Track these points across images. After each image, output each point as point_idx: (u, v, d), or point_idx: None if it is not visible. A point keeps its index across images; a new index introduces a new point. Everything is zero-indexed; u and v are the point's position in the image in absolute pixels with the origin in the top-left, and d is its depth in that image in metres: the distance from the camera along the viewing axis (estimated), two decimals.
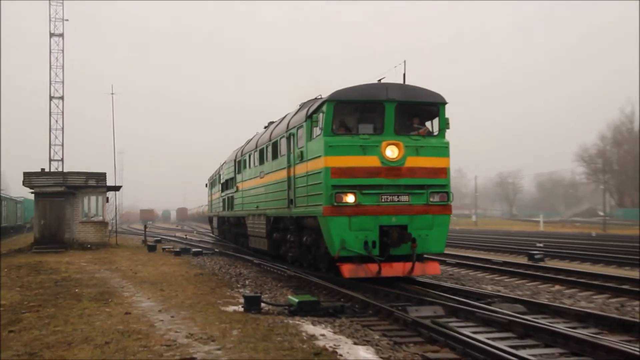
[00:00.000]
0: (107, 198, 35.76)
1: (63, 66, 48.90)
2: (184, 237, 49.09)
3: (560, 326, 10.03)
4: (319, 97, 16.83)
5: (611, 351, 8.19)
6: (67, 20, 49.36)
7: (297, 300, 12.24)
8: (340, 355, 8.56)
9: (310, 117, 15.56)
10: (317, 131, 15.22)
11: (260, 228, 22.28)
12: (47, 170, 40.14)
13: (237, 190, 27.39)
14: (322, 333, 10.12)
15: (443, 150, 15.33)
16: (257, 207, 22.40)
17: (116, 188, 38.26)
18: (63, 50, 49.17)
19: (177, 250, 29.82)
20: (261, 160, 21.88)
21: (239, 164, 27.05)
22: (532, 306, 12.28)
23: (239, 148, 28.64)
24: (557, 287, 16.63)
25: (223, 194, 33.13)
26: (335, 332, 10.26)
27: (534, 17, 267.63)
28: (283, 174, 18.20)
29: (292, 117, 18.06)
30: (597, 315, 10.98)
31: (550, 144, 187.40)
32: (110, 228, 38.99)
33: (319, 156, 14.84)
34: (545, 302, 12.94)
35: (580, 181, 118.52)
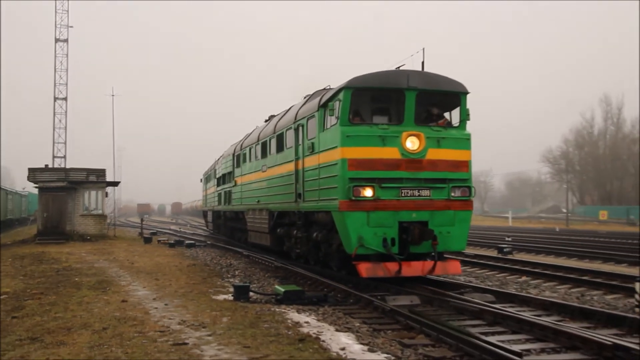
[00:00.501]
0: (107, 193, 35.66)
1: (67, 69, 48.72)
2: (178, 229, 48.89)
3: (526, 314, 10.04)
4: (328, 87, 15.68)
5: (572, 337, 8.22)
6: (71, 27, 49.15)
7: (283, 289, 12.21)
8: (323, 341, 8.53)
9: (324, 106, 13.92)
10: (332, 120, 13.50)
11: (262, 223, 20.27)
12: (50, 166, 39.95)
13: (235, 185, 25.23)
14: (306, 320, 10.09)
15: (465, 142, 13.65)
16: (259, 201, 20.39)
17: (115, 183, 38.10)
18: (67, 55, 48.96)
19: (172, 242, 29.70)
20: (264, 154, 20.01)
21: (238, 158, 24.89)
22: (501, 296, 12.32)
23: (237, 142, 26.50)
24: (524, 278, 16.71)
25: (219, 188, 30.84)
26: (318, 320, 10.23)
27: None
28: (289, 167, 16.45)
29: (301, 107, 16.41)
30: (560, 304, 11.02)
31: (517, 145, 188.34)
32: (109, 221, 38.84)
33: (335, 147, 13.13)
34: (513, 292, 12.99)
35: (545, 180, 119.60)
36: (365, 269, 12.63)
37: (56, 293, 13.20)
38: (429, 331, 9.02)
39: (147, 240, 31.73)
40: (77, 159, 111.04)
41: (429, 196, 13.09)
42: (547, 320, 9.56)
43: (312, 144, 14.51)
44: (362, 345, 8.36)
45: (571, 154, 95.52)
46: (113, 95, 45.10)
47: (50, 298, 12.53)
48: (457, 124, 13.84)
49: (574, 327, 8.89)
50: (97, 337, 8.73)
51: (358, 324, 9.85)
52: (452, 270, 13.53)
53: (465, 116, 13.74)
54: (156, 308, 11.15)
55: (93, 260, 21.10)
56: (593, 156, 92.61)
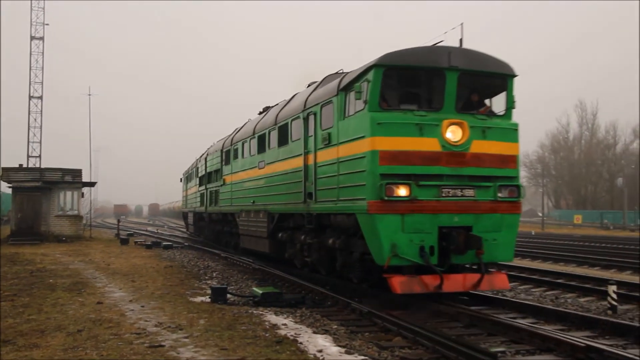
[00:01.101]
0: (83, 193, 35.37)
1: (43, 68, 48.25)
2: (155, 231, 48.60)
3: (502, 316, 10.14)
4: (341, 71, 14.38)
5: (547, 339, 8.31)
6: (47, 24, 48.65)
7: (261, 291, 12.19)
8: (301, 343, 8.54)
9: (346, 89, 12.06)
10: (357, 105, 11.48)
11: (258, 227, 18.00)
12: (25, 166, 39.54)
13: (224, 184, 22.89)
14: (284, 322, 10.09)
15: (512, 133, 11.78)
16: (254, 202, 18.29)
17: (91, 184, 37.79)
18: (43, 53, 48.49)
19: (149, 243, 29.49)
20: (261, 148, 17.94)
21: (227, 154, 22.60)
22: (477, 298, 12.39)
23: (226, 137, 24.30)
24: None
25: (202, 188, 28.80)
26: (296, 322, 10.24)
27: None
28: (296, 163, 14.54)
29: (311, 93, 14.43)
30: (535, 307, 11.13)
31: None
32: (84, 222, 38.48)
33: (361, 137, 11.16)
34: (489, 294, 13.08)
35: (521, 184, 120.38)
36: (399, 284, 10.55)
37: (30, 295, 13.04)
38: (405, 333, 9.05)
39: (124, 242, 31.44)
40: (53, 159, 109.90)
41: (474, 196, 11.28)
42: (523, 322, 9.66)
43: (329, 134, 12.65)
44: (339, 347, 8.37)
45: (547, 158, 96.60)
46: (90, 95, 44.72)
47: (23, 300, 12.37)
48: (502, 113, 11.98)
49: (548, 329, 9.01)
50: (71, 339, 8.64)
51: (335, 326, 9.85)
52: (499, 284, 11.52)
53: (511, 103, 11.95)
54: (132, 310, 11.07)
55: (68, 262, 20.88)
56: (568, 161, 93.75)
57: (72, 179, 34.12)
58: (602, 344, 7.92)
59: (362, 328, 9.80)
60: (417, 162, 10.89)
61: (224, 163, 23.33)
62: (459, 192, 11.17)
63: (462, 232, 10.94)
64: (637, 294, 13.11)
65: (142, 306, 11.48)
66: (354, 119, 11.62)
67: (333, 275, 14.04)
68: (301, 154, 14.14)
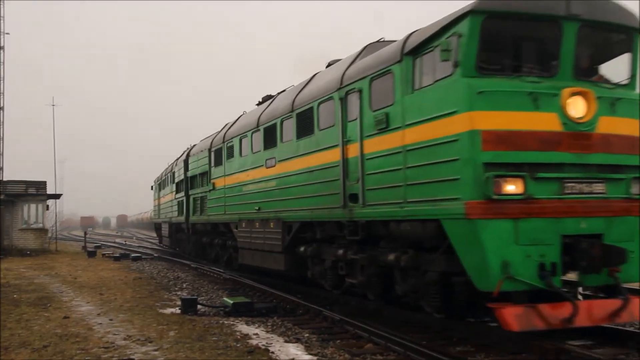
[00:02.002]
0: (47, 206, 34.91)
1: (3, 78, 47.50)
2: (124, 242, 48.18)
3: (471, 320, 10.23)
4: (382, 39, 12.10)
5: (516, 342, 8.41)
6: (8, 34, 47.98)
7: (231, 301, 12.17)
8: (272, 352, 8.56)
9: (415, 52, 9.12)
10: (439, 71, 8.58)
11: (267, 238, 14.68)
12: None
13: (214, 189, 19.64)
14: (255, 332, 10.11)
15: None
16: (260, 208, 15.19)
17: (56, 196, 37.40)
18: (3, 63, 47.74)
19: (117, 255, 29.27)
20: (269, 143, 14.75)
21: (218, 154, 19.36)
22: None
23: (215, 133, 21.19)
24: None
25: (180, 195, 26.03)
26: (267, 331, 10.26)
27: None
28: (328, 157, 11.55)
29: (350, 66, 11.43)
30: None
31: None
32: (50, 235, 38.00)
33: (450, 113, 8.22)
34: None
35: None
36: (515, 318, 7.66)
37: None
38: (377, 340, 9.11)
39: (91, 254, 31.09)
40: (16, 171, 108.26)
41: (604, 193, 8.45)
42: (492, 325, 9.77)
43: (386, 115, 9.66)
44: (311, 356, 8.43)
45: None
46: (54, 105, 44.22)
47: None
48: (625, 81, 9.08)
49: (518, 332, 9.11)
50: (36, 355, 8.55)
51: (307, 335, 9.89)
52: (637, 313, 8.39)
53: (637, 70, 9.05)
54: (100, 323, 10.98)
55: (33, 276, 20.62)
56: None
57: (36, 192, 33.75)
58: (572, 345, 8.03)
59: (334, 336, 9.82)
60: (533, 146, 8.09)
61: (213, 164, 20.13)
62: (585, 188, 8.33)
63: (596, 243, 8.10)
64: None
65: (111, 319, 11.40)
66: (432, 91, 8.73)
67: (388, 301, 11.11)
68: (336, 145, 11.24)
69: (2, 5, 47.00)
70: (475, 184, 7.83)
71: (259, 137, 15.47)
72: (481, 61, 8.18)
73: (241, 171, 16.93)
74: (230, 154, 18.07)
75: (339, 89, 11.25)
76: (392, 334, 9.07)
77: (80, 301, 14.09)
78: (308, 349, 8.84)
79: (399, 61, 9.41)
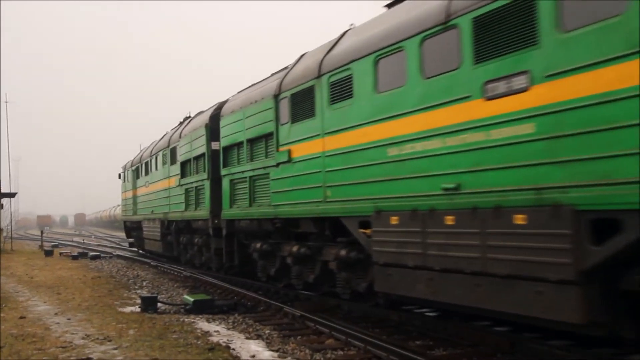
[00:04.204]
0: (2, 205, 34.21)
1: None
2: (82, 241, 47.54)
3: (431, 314, 10.38)
4: None
5: (473, 335, 8.57)
6: None
7: (192, 299, 12.14)
8: (233, 349, 8.57)
9: None
10: None
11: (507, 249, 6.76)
12: None
13: (289, 161, 11.43)
14: (216, 329, 10.10)
15: None
16: (459, 186, 7.44)
17: (11, 195, 36.62)
18: None
19: (75, 254, 28.87)
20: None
21: (304, 99, 11.01)
22: (405, 297, 12.54)
23: (286, 70, 12.59)
24: None
25: (192, 180, 17.47)
26: (228, 328, 10.27)
27: None
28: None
29: None
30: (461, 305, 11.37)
31: None
32: (5, 234, 37.28)
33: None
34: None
35: None
36: None
37: None
38: (338, 335, 9.19)
39: (48, 253, 30.59)
40: None
41: None
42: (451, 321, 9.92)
43: None
44: (272, 352, 8.45)
45: None
46: (7, 102, 43.17)
47: None
48: None
49: (476, 325, 9.28)
50: None
51: (268, 331, 9.93)
52: None
53: None
54: (58, 323, 10.84)
55: None
56: None
57: None
58: (526, 339, 8.19)
59: (295, 331, 9.86)
60: None
61: (288, 120, 11.62)
62: None
63: None
64: None
65: (69, 319, 11.26)
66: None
67: None
68: None
69: None
70: None
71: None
72: None
73: (391, 118, 8.69)
74: (344, 91, 9.80)
75: None
76: (353, 329, 9.17)
77: (37, 301, 13.87)
78: (269, 345, 8.87)
79: None
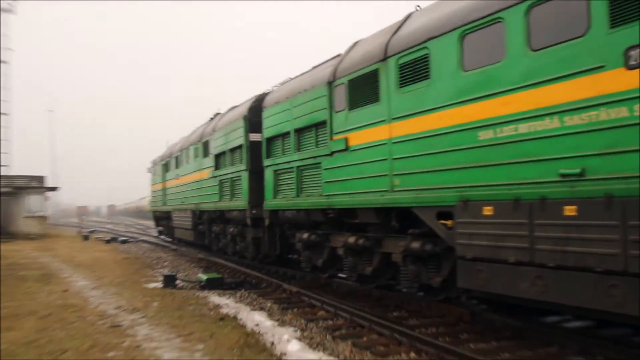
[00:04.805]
0: (47, 197, 34.03)
1: (10, 88, 46.41)
2: (113, 228, 47.22)
3: (405, 290, 10.31)
4: None
5: (440, 306, 8.57)
6: (12, 50, 46.64)
7: (205, 277, 12.07)
8: (240, 319, 8.53)
9: None
10: None
11: None
12: None
13: (345, 149, 9.26)
14: (225, 303, 10.05)
15: None
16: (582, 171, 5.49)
17: (54, 188, 36.39)
18: (8, 75, 46.48)
19: (107, 239, 28.66)
20: None
21: (368, 82, 8.66)
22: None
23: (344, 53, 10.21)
24: None
25: (227, 171, 14.95)
26: (236, 302, 10.21)
27: None
28: None
29: None
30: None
31: None
32: (50, 221, 37.02)
33: None
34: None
35: None
36: None
37: (4, 285, 12.46)
38: (328, 308, 9.16)
39: (86, 238, 30.36)
40: (22, 168, 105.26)
41: None
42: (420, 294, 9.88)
43: None
44: (272, 321, 8.43)
45: None
46: (51, 111, 43.20)
47: None
48: None
49: (441, 299, 9.24)
50: (42, 322, 8.37)
51: (270, 304, 9.88)
52: None
53: None
54: (94, 296, 10.77)
55: (37, 256, 20.05)
56: None
57: (37, 185, 32.88)
58: (480, 309, 8.17)
59: (292, 305, 9.82)
60: None
61: (345, 106, 9.36)
62: None
63: None
64: None
65: (103, 292, 11.19)
66: None
67: None
68: None
69: (1, 22, 45.72)
70: None
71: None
72: None
73: (483, 98, 6.65)
74: (417, 72, 7.66)
75: None
76: (341, 303, 9.14)
77: (77, 277, 13.77)
78: (270, 316, 8.85)
79: None
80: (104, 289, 11.73)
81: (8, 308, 9.61)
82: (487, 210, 6.45)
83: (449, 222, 7.13)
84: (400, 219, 8.53)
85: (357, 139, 8.99)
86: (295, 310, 9.39)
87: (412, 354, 6.61)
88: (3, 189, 31.72)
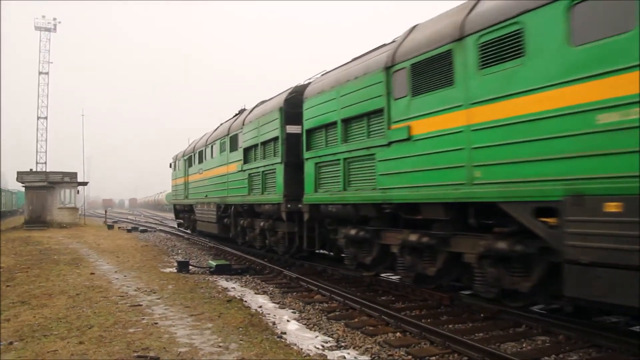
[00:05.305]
0: (78, 190, 33.75)
1: (48, 95, 46.19)
2: (134, 219, 46.85)
3: (394, 277, 9.74)
4: None
5: (423, 292, 8.38)
6: (51, 62, 46.39)
7: (215, 263, 11.83)
8: (245, 301, 8.33)
9: None
10: None
11: None
12: (34, 170, 37.52)
13: (408, 139, 7.25)
14: (232, 286, 9.83)
15: None
16: None
17: (84, 183, 36.12)
18: (48, 84, 46.17)
19: (129, 228, 28.28)
20: None
21: (437, 65, 6.75)
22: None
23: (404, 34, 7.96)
24: None
25: (256, 165, 12.93)
26: (242, 286, 10.00)
27: None
28: None
29: None
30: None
31: None
32: (80, 212, 36.68)
33: None
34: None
35: None
36: None
37: (40, 267, 12.21)
38: (324, 292, 8.96)
39: (110, 227, 30.01)
40: (56, 164, 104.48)
41: None
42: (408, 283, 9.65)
43: None
44: (274, 304, 8.26)
45: None
46: (83, 115, 43.74)
47: (35, 271, 11.58)
48: None
49: (426, 287, 9.01)
50: (71, 300, 8.14)
51: (272, 288, 9.66)
52: None
53: None
54: (117, 279, 10.50)
55: (68, 243, 19.71)
56: None
57: (70, 180, 32.61)
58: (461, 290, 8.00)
59: (292, 289, 9.61)
60: None
61: (406, 93, 7.39)
62: None
63: None
64: None
65: (125, 276, 10.92)
66: None
67: None
68: None
69: (41, 37, 45.27)
70: None
71: None
72: None
73: (603, 75, 4.81)
74: (507, 50, 5.82)
75: None
76: (335, 288, 8.95)
77: (102, 262, 13.48)
78: (272, 299, 8.66)
79: None
80: (126, 272, 11.45)
81: (43, 287, 9.37)
82: (613, 207, 4.65)
83: (550, 220, 5.32)
84: (480, 215, 6.56)
85: (422, 127, 7.02)
86: (294, 294, 9.18)
87: (398, 334, 6.44)
88: (40, 183, 31.49)
